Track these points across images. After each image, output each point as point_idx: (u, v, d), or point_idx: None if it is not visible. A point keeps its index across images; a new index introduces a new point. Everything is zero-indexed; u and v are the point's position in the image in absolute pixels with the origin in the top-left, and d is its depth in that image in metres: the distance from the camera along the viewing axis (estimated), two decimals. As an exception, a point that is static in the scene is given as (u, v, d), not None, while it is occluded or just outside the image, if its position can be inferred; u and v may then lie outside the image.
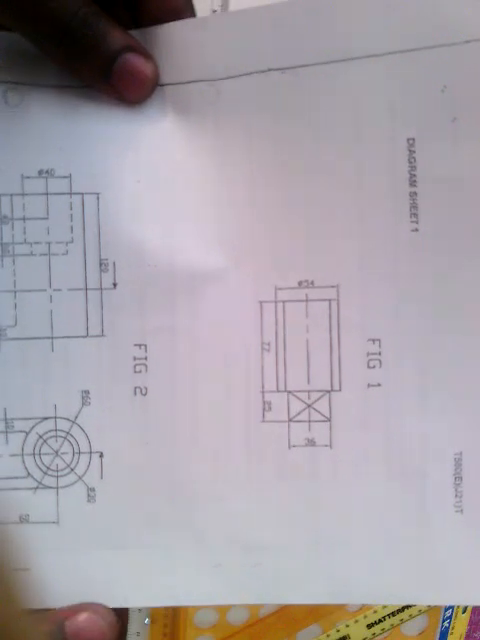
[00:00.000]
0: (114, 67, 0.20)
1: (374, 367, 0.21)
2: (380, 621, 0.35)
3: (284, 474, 0.21)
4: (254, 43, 0.20)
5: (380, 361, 0.21)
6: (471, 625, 0.36)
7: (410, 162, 0.20)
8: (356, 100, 0.20)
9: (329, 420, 0.21)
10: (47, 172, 0.21)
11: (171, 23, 0.21)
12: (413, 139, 0.20)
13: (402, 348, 0.20)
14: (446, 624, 0.36)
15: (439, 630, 0.36)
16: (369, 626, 0.35)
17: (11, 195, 0.21)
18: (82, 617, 0.20)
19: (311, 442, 0.21)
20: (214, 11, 0.32)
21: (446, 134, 0.20)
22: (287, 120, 0.21)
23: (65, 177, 0.21)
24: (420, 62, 0.20)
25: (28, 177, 0.21)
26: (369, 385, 0.21)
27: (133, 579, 0.21)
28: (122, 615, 0.21)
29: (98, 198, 0.21)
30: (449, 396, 0.20)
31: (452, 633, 0.36)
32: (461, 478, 0.21)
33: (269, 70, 0.21)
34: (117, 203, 0.21)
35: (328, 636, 0.34)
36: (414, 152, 0.20)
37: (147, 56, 0.20)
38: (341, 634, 0.35)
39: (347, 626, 0.35)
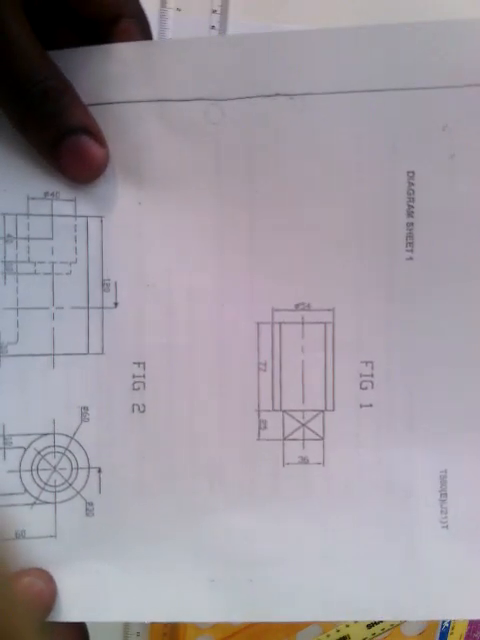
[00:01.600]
0: (63, 145, 0.20)
1: (366, 388, 0.22)
2: (380, 621, 0.35)
3: (278, 491, 0.22)
4: (263, 67, 0.21)
5: (372, 383, 0.22)
6: (471, 625, 0.36)
7: (409, 194, 0.21)
8: (359, 131, 0.21)
9: (322, 439, 0.22)
10: (52, 194, 0.22)
11: (178, 39, 0.21)
12: (413, 172, 0.21)
13: (393, 371, 0.22)
14: (446, 624, 0.36)
15: (439, 630, 0.36)
16: (369, 626, 0.35)
17: (16, 215, 0.22)
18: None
19: (305, 460, 0.22)
20: (214, 11, 0.32)
21: (444, 169, 0.21)
22: (290, 146, 0.21)
23: (70, 200, 0.22)
24: (423, 101, 0.21)
25: (33, 198, 0.22)
26: (361, 405, 0.22)
27: (129, 593, 0.22)
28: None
29: (102, 221, 0.22)
30: (436, 417, 0.21)
31: (452, 633, 0.36)
32: (446, 495, 0.22)
33: (277, 95, 0.21)
34: (120, 225, 0.22)
35: (328, 636, 0.35)
36: (413, 185, 0.21)
37: (101, 142, 0.21)
38: (341, 634, 0.35)
39: (347, 626, 0.35)
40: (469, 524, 0.21)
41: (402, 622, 0.36)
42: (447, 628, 0.36)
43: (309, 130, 0.21)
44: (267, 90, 0.21)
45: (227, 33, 0.32)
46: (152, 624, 0.34)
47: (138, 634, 0.33)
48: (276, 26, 0.33)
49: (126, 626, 0.33)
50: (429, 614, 0.22)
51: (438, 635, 0.36)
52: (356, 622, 0.35)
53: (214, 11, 0.32)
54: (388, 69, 0.21)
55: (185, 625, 0.34)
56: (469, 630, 0.36)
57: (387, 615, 0.22)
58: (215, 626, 0.34)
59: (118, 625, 0.33)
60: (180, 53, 0.21)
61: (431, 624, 0.36)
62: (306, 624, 0.35)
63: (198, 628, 0.34)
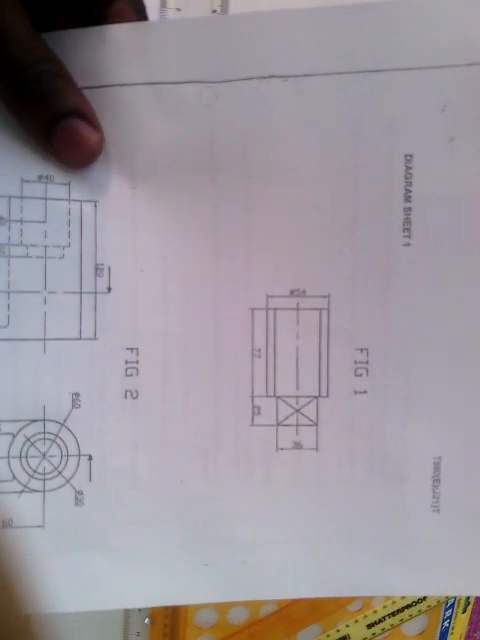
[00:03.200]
0: (57, 128, 0.20)
1: (361, 375, 0.22)
2: (380, 621, 0.35)
3: (271, 475, 0.22)
4: (257, 48, 0.21)
5: (367, 370, 0.22)
6: (471, 625, 0.36)
7: (406, 178, 0.21)
8: (356, 113, 0.21)
9: (316, 425, 0.22)
10: (46, 178, 0.22)
11: (170, 20, 0.21)
12: (411, 155, 0.21)
13: (388, 358, 0.22)
14: (446, 624, 0.36)
15: (439, 630, 0.36)
16: (369, 626, 0.35)
17: (9, 197, 0.21)
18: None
19: (298, 445, 0.22)
20: (214, 11, 0.32)
21: (444, 153, 0.21)
22: (285, 129, 0.21)
23: (64, 184, 0.22)
24: (422, 81, 0.21)
25: (27, 181, 0.21)
26: (356, 392, 0.22)
27: (122, 580, 0.21)
28: None
29: (96, 206, 0.22)
30: (431, 405, 0.21)
31: (452, 633, 0.36)
32: (439, 480, 0.22)
33: (271, 77, 0.21)
34: (114, 210, 0.22)
35: (328, 636, 0.34)
36: (411, 168, 0.21)
37: (95, 125, 0.21)
38: (341, 634, 0.35)
39: (347, 626, 0.35)
40: (459, 509, 0.22)
41: (402, 622, 0.36)
42: (447, 628, 0.36)
43: (304, 112, 0.21)
44: (261, 72, 0.21)
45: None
46: (152, 624, 0.33)
47: (138, 634, 0.32)
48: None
49: (126, 626, 0.33)
50: (414, 590, 0.22)
51: (438, 635, 0.36)
52: (356, 621, 0.35)
53: (214, 11, 0.33)
54: (385, 48, 0.20)
55: (185, 625, 0.34)
56: (469, 630, 0.36)
57: (375, 591, 0.22)
58: (215, 626, 0.34)
59: (118, 625, 0.33)
60: (174, 35, 0.21)
61: (431, 624, 0.36)
62: (306, 624, 0.35)
63: (198, 628, 0.34)
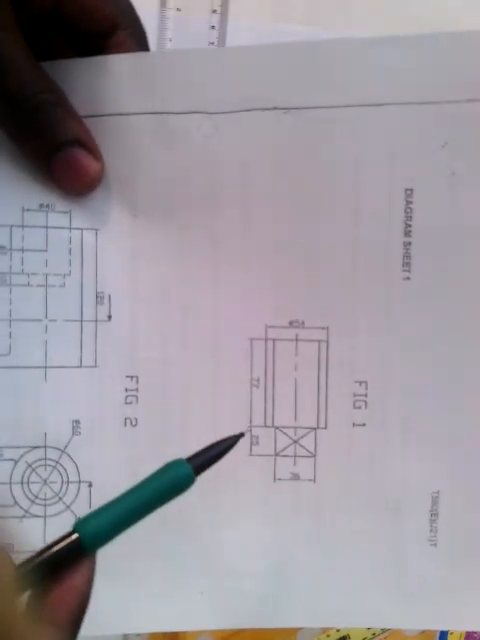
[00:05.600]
0: (57, 157, 0.20)
1: (360, 408, 0.22)
2: None
3: (269, 505, 0.22)
4: (258, 79, 0.21)
5: (366, 402, 0.22)
6: None
7: (406, 212, 0.21)
8: (356, 147, 0.21)
9: (314, 456, 0.22)
10: (47, 206, 0.22)
11: (172, 50, 0.21)
12: (411, 190, 0.21)
13: (388, 391, 0.21)
14: None
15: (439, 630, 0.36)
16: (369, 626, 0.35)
17: (11, 226, 0.22)
18: None
19: (296, 476, 0.22)
20: (214, 11, 0.32)
21: (444, 187, 0.21)
22: (286, 161, 0.21)
23: (65, 213, 0.22)
24: (423, 116, 0.20)
25: (28, 210, 0.22)
26: (354, 424, 0.22)
27: (120, 607, 0.22)
28: None
29: (96, 234, 0.22)
30: (430, 438, 0.21)
31: (452, 633, 0.36)
32: (437, 515, 0.22)
33: (274, 108, 0.21)
34: (114, 238, 0.22)
35: (328, 636, 0.34)
36: (411, 202, 0.21)
37: (95, 154, 0.21)
38: (341, 634, 0.35)
39: None
40: (457, 544, 0.22)
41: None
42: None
43: (305, 145, 0.21)
44: (262, 103, 0.21)
45: (227, 33, 0.32)
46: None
47: (139, 634, 0.33)
48: (276, 26, 0.33)
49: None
50: (411, 623, 0.22)
51: (438, 635, 0.36)
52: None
53: (214, 11, 0.32)
54: (387, 83, 0.20)
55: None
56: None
57: (372, 623, 0.22)
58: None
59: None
60: (175, 65, 0.21)
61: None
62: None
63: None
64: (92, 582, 0.16)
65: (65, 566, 0.16)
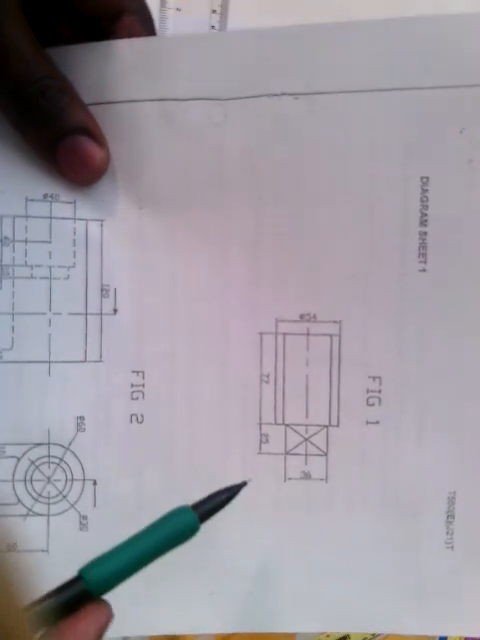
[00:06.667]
0: (61, 145, 0.20)
1: (373, 405, 0.21)
2: None
3: (279, 505, 0.21)
4: (267, 64, 0.20)
5: (380, 399, 0.21)
6: None
7: (422, 201, 0.20)
8: (370, 133, 0.20)
9: (326, 454, 0.21)
10: (51, 196, 0.21)
11: (179, 35, 0.20)
12: (427, 178, 0.20)
13: (403, 387, 0.21)
14: None
15: None
16: None
17: (14, 217, 0.21)
18: None
19: (307, 475, 0.21)
20: (214, 11, 0.31)
21: (461, 175, 0.20)
22: (296, 149, 0.20)
23: (70, 203, 0.21)
24: (439, 101, 0.20)
25: (32, 200, 0.21)
26: (368, 422, 0.21)
27: (126, 609, 0.21)
28: None
29: (102, 225, 0.21)
30: (447, 437, 0.21)
31: None
32: (453, 516, 0.21)
33: (283, 94, 0.20)
34: (120, 229, 0.21)
35: (328, 636, 0.34)
36: (427, 191, 0.20)
37: (101, 142, 0.20)
38: (341, 634, 0.34)
39: None
40: (474, 546, 0.21)
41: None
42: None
43: (316, 132, 0.20)
44: (272, 89, 0.20)
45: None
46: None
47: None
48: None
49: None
50: (427, 630, 0.21)
51: (438, 636, 0.36)
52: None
53: (214, 11, 0.32)
54: (401, 66, 0.19)
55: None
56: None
57: (387, 629, 0.22)
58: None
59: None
60: (183, 50, 0.20)
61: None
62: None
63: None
64: (103, 633, 0.16)
65: (71, 612, 0.16)
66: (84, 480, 0.21)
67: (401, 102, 0.20)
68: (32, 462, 0.21)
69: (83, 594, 0.15)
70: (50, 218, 0.21)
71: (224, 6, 0.32)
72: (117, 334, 0.21)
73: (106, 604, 0.16)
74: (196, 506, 0.17)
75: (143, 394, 0.22)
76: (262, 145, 0.20)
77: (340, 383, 0.21)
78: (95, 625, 0.15)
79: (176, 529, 0.16)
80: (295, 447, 0.21)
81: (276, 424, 0.21)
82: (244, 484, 0.19)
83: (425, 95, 0.20)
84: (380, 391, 0.21)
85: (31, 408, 0.21)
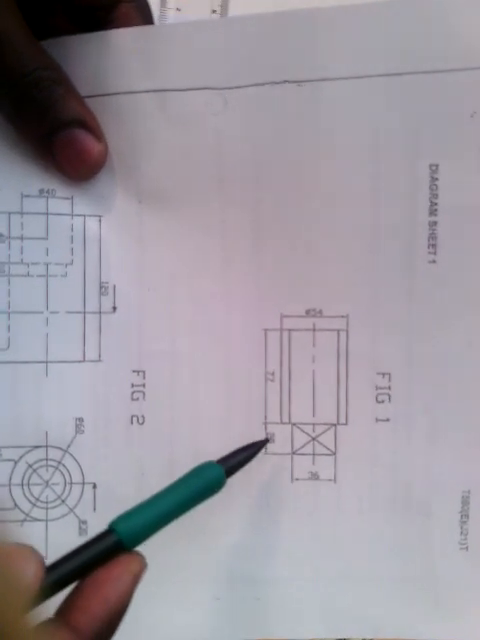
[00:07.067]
0: (57, 138, 0.19)
1: (383, 402, 0.20)
2: None
3: (286, 508, 0.21)
4: (268, 51, 0.19)
5: (389, 396, 0.20)
6: None
7: (431, 189, 0.20)
8: (377, 121, 0.19)
9: (334, 454, 0.21)
10: (48, 192, 0.21)
11: (176, 23, 0.20)
12: (436, 165, 0.19)
13: (413, 383, 0.20)
14: None
15: None
16: None
17: (9, 213, 0.21)
18: None
19: (315, 476, 0.21)
20: (214, 11, 0.31)
21: (473, 162, 0.19)
22: (299, 137, 0.20)
23: (67, 198, 0.21)
24: (449, 84, 0.19)
25: (28, 196, 0.20)
26: (377, 420, 0.20)
27: (131, 614, 0.20)
28: None
29: (100, 221, 0.21)
30: (459, 434, 0.20)
31: None
32: (468, 516, 0.20)
33: (285, 82, 0.20)
34: (119, 225, 0.21)
35: None
36: (437, 179, 0.19)
37: (98, 135, 0.20)
38: None
39: None
40: None
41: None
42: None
43: (320, 120, 0.20)
44: (274, 77, 0.20)
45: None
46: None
47: None
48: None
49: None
50: (442, 634, 0.20)
51: None
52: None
53: (214, 11, 0.32)
54: (409, 50, 0.19)
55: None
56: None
57: (398, 634, 0.21)
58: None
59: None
60: (180, 39, 0.20)
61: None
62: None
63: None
64: (130, 595, 0.15)
65: (101, 566, 0.15)
66: (83, 484, 0.21)
67: (409, 87, 0.19)
68: (29, 465, 0.21)
69: (115, 545, 0.15)
70: (46, 214, 0.21)
71: (224, 6, 0.32)
72: (116, 333, 0.21)
73: (139, 554, 0.16)
74: (222, 460, 0.18)
75: (144, 394, 0.21)
76: (263, 135, 0.20)
77: (348, 380, 0.20)
78: (129, 574, 0.15)
79: (203, 483, 0.17)
80: (302, 447, 0.21)
81: (282, 423, 0.21)
82: (267, 440, 0.20)
83: (434, 79, 0.19)
84: (390, 387, 0.20)
85: (28, 410, 0.21)
